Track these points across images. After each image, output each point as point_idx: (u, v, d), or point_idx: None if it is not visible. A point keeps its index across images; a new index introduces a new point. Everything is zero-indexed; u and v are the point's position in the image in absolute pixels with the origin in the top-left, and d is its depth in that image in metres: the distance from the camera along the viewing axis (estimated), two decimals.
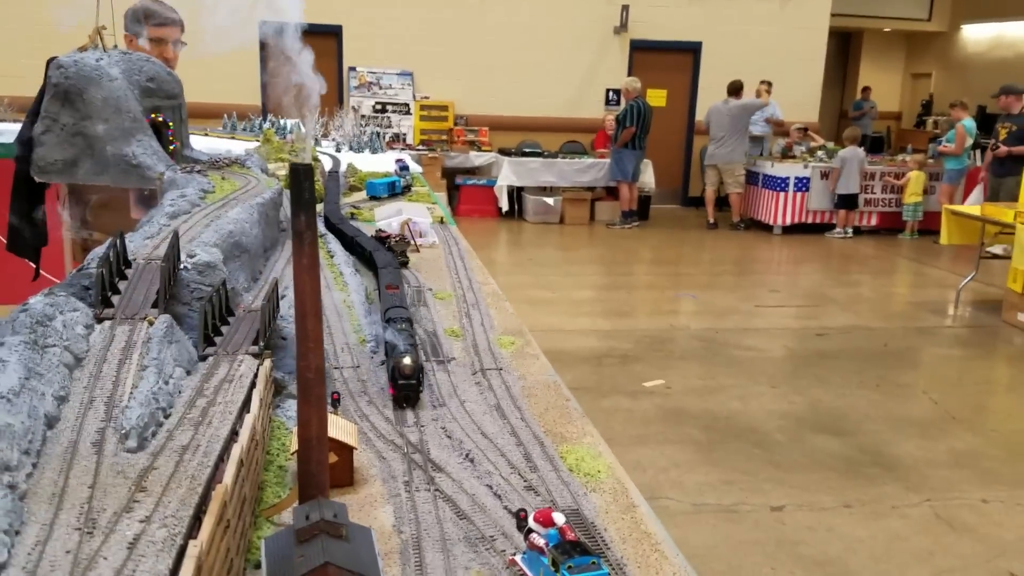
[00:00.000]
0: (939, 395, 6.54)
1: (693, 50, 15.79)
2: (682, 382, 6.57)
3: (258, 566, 1.19)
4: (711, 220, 14.00)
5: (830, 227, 13.66)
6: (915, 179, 13.27)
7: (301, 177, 1.12)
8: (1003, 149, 11.85)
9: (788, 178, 13.45)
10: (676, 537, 4.54)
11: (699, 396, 6.30)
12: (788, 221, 13.61)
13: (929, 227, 12.86)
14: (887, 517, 4.61)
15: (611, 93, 15.50)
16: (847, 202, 13.40)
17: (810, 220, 13.68)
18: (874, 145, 16.19)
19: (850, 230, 13.54)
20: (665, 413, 5.94)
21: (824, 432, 5.69)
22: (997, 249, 11.07)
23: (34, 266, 3.96)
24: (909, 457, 5.35)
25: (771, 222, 13.69)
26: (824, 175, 13.46)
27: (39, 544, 0.96)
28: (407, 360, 1.84)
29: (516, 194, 14.22)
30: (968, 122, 12.96)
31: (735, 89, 13.80)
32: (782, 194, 13.49)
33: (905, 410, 6.21)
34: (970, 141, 12.96)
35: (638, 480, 5.32)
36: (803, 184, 13.50)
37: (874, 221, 13.77)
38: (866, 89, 19.67)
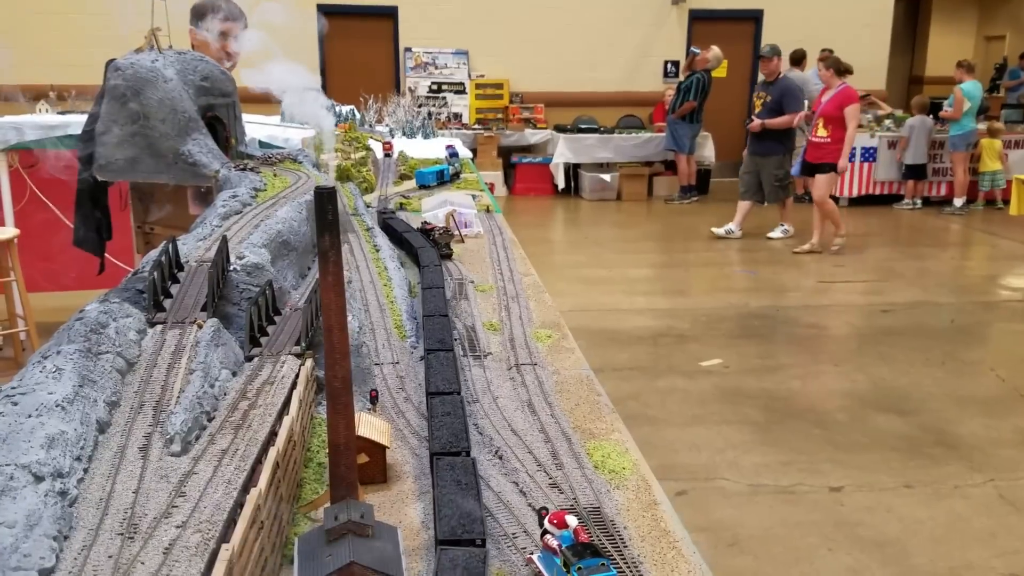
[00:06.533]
0: (1007, 372, 6.35)
1: (755, 18, 15.44)
2: (740, 361, 6.51)
3: (293, 562, 1.26)
4: None
5: (898, 198, 13.28)
6: (987, 146, 12.77)
7: (325, 200, 1.18)
8: (756, 123, 10.52)
9: (854, 148, 13.07)
10: (731, 518, 4.49)
11: (758, 376, 6.24)
12: (854, 193, 13.29)
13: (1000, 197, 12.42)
14: (949, 498, 4.53)
15: (669, 65, 15.26)
16: (915, 172, 13.01)
17: (877, 191, 13.33)
18: None
19: (919, 201, 13.14)
20: (722, 393, 5.91)
21: (886, 411, 5.60)
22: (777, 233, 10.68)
23: (99, 259, 4.14)
24: (973, 436, 5.23)
25: (837, 194, 13.34)
26: (891, 144, 13.07)
27: (84, 549, 1.05)
28: None
29: (572, 171, 14.16)
30: (967, 85, 12.30)
31: (797, 59, 13.44)
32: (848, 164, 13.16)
33: (971, 388, 6.06)
34: (968, 105, 12.30)
35: (693, 461, 5.27)
36: (870, 154, 13.15)
37: (943, 191, 13.33)
38: None
